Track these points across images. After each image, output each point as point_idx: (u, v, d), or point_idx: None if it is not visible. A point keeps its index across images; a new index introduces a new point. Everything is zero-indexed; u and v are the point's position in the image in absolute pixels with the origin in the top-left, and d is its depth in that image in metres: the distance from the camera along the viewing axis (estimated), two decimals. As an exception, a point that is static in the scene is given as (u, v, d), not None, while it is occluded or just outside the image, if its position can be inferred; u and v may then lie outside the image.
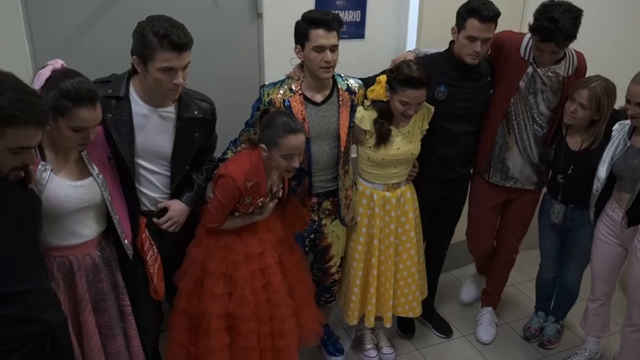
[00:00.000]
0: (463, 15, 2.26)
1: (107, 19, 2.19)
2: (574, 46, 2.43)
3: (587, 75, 2.48)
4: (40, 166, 1.61)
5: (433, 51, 2.49)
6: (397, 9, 2.74)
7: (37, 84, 1.60)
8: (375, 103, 2.29)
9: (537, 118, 2.48)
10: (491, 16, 2.20)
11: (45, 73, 1.62)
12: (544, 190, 2.72)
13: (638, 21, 3.40)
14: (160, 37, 1.70)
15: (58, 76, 1.61)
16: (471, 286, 3.16)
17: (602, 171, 2.34)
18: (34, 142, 1.36)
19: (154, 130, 1.90)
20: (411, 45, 2.75)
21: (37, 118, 1.33)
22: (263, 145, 1.98)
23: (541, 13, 2.23)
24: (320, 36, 2.05)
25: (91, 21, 2.18)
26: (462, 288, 3.18)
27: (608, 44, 3.20)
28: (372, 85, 2.30)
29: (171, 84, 1.78)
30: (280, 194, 2.19)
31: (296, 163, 1.99)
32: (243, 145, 2.11)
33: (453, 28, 2.35)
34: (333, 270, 2.53)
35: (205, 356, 2.05)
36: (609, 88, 2.32)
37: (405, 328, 2.90)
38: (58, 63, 1.67)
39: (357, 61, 2.62)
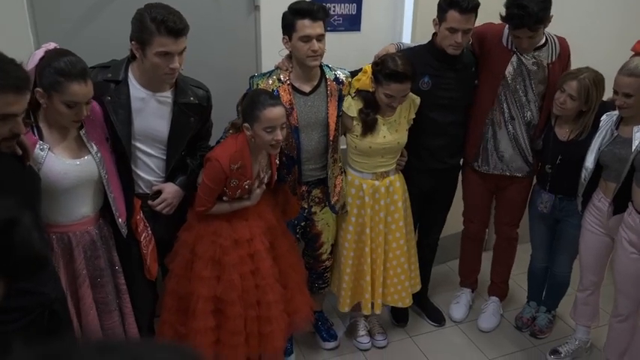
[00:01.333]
0: (443, 7, 2.31)
1: (109, 9, 2.28)
2: (573, 36, 2.47)
3: (570, 59, 2.52)
4: (38, 145, 1.70)
5: (415, 44, 2.55)
6: (393, 2, 2.80)
7: (32, 63, 1.70)
8: (360, 93, 2.35)
9: (526, 106, 2.53)
10: (471, 7, 2.26)
11: (39, 54, 1.73)
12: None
13: (636, 15, 3.42)
14: (158, 23, 1.80)
15: (51, 55, 1.71)
16: (460, 303, 3.07)
17: (590, 160, 2.38)
18: (16, 109, 1.41)
19: (151, 113, 1.99)
20: (406, 38, 2.80)
21: (14, 84, 1.38)
22: (246, 124, 2.05)
23: (510, 1, 2.28)
24: (306, 26, 2.12)
25: (93, 11, 2.27)
26: (451, 306, 3.07)
27: (607, 39, 3.22)
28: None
29: (168, 68, 1.87)
30: (266, 180, 2.25)
31: (279, 135, 2.04)
32: (230, 131, 2.18)
33: (434, 20, 2.40)
34: (324, 257, 2.60)
35: (192, 336, 2.13)
36: (598, 80, 2.36)
37: (398, 316, 2.95)
38: (51, 45, 1.78)
39: (353, 54, 2.69)
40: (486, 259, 3.12)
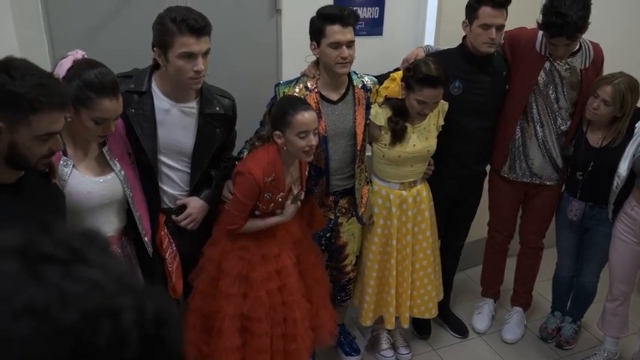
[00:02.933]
0: (474, 5, 2.26)
1: (126, 14, 2.17)
2: (603, 41, 2.42)
3: (604, 65, 2.45)
4: (61, 161, 1.60)
5: (444, 48, 2.47)
6: (416, 5, 2.72)
7: (59, 74, 1.58)
8: (389, 101, 2.27)
9: (558, 113, 2.46)
10: (503, 1, 2.20)
11: (66, 63, 1.60)
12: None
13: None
14: (178, 23, 1.71)
15: (80, 65, 1.59)
16: (482, 313, 2.99)
17: (624, 168, 2.31)
18: (59, 127, 1.34)
19: (175, 125, 1.88)
20: (429, 42, 2.71)
21: (60, 101, 1.31)
22: (277, 132, 1.95)
23: (548, 9, 2.21)
24: (336, 32, 2.03)
25: (110, 17, 2.16)
26: (473, 317, 2.99)
27: (618, 37, 3.16)
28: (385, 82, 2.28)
29: (192, 72, 1.77)
30: (302, 197, 2.16)
31: (312, 140, 1.95)
32: (257, 143, 2.09)
33: (464, 22, 2.34)
34: (349, 269, 2.51)
35: (217, 356, 2.03)
36: (633, 85, 2.30)
37: (420, 328, 2.88)
38: (79, 53, 1.65)
39: (375, 58, 2.60)
40: (508, 265, 3.03)
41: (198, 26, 1.72)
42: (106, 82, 1.56)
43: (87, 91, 1.54)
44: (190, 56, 1.74)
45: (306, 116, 1.93)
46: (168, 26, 1.71)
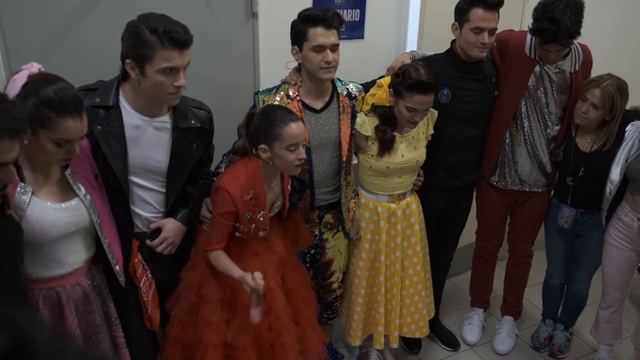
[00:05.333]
0: (464, 7, 2.14)
1: (91, 19, 1.99)
2: (590, 42, 2.36)
3: (592, 68, 2.39)
4: (18, 188, 1.42)
5: (431, 53, 2.37)
6: (398, 7, 2.61)
7: (12, 92, 1.40)
8: (376, 109, 2.14)
9: (548, 118, 2.38)
10: (496, 2, 2.10)
11: (20, 79, 1.41)
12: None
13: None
14: (160, 35, 1.54)
15: (36, 81, 1.41)
16: (473, 324, 2.92)
17: (616, 173, 2.25)
18: (11, 157, 1.19)
19: (147, 142, 1.72)
20: (412, 46, 2.62)
21: (12, 128, 1.15)
22: (263, 146, 1.79)
23: (540, 14, 2.13)
24: (319, 34, 1.90)
25: (72, 22, 1.97)
26: (463, 328, 2.92)
27: (611, 40, 3.13)
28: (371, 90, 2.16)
29: (173, 87, 1.62)
30: (277, 210, 2.01)
31: (302, 153, 1.81)
32: (234, 158, 1.93)
33: (453, 25, 2.22)
34: (335, 286, 2.39)
35: None
36: (622, 87, 2.24)
37: (410, 344, 2.76)
38: (34, 67, 1.46)
39: (356, 63, 2.50)
40: (495, 271, 2.94)
41: (183, 39, 1.56)
42: (67, 100, 1.38)
43: (45, 110, 1.35)
44: (172, 71, 1.59)
45: (298, 129, 1.78)
46: (146, 38, 1.54)
